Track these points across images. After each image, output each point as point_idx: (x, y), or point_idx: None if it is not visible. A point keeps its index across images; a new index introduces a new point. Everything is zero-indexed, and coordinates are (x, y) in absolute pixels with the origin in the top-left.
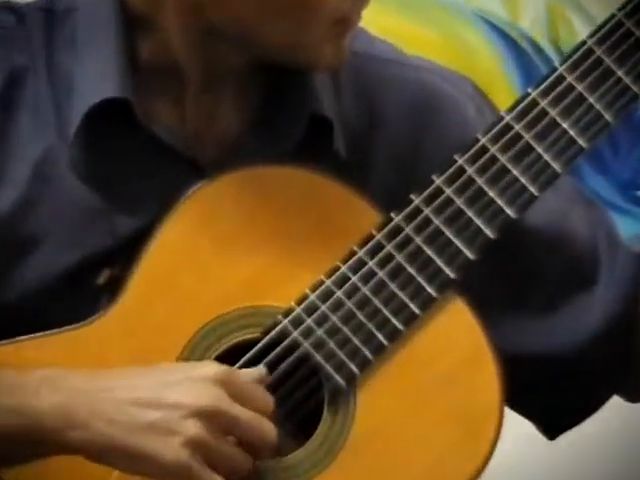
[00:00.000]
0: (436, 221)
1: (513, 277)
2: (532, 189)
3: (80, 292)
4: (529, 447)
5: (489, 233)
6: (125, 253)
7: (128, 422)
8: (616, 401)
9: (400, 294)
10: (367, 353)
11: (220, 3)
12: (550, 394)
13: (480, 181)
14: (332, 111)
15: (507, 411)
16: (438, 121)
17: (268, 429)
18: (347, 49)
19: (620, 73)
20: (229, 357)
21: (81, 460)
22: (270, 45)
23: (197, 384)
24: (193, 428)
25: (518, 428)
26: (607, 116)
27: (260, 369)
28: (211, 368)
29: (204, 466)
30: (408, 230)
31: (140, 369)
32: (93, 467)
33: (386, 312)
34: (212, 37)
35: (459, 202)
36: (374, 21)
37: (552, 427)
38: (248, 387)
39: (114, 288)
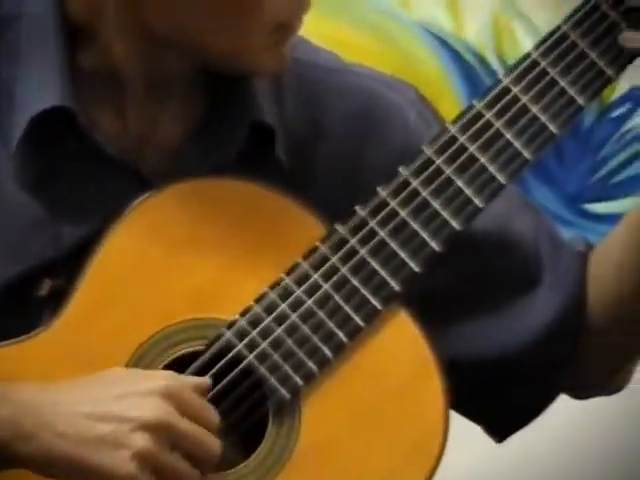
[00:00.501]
0: (381, 233)
1: (458, 281)
2: (477, 201)
3: (23, 304)
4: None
5: (435, 245)
6: (69, 264)
7: (76, 435)
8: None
9: (345, 306)
10: (312, 365)
11: (160, 10)
12: (495, 397)
13: (425, 193)
14: (274, 119)
15: None
16: (381, 128)
17: (213, 444)
18: (288, 55)
19: (565, 84)
20: (174, 369)
21: (28, 475)
22: (210, 52)
23: (145, 397)
24: (141, 441)
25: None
26: (552, 128)
27: (205, 379)
28: (159, 381)
29: (152, 479)
30: (353, 242)
31: (89, 381)
32: None
33: (331, 324)
34: (153, 45)
35: (404, 214)
36: (315, 29)
37: (499, 430)
38: (195, 401)
39: (58, 300)
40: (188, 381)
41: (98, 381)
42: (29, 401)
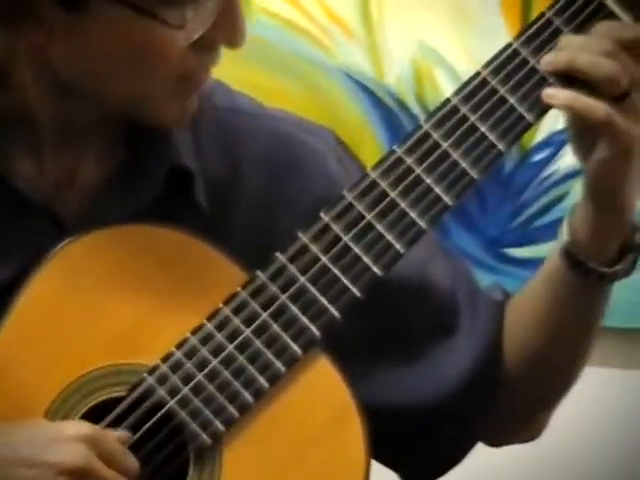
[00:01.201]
0: (301, 279)
1: (375, 327)
2: (398, 246)
3: None
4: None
5: (355, 291)
6: None
7: None
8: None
9: (266, 352)
10: (233, 411)
11: (67, 58)
12: (413, 445)
13: (346, 238)
14: (194, 164)
15: None
16: (301, 174)
17: None
18: (193, 106)
19: (485, 130)
20: (95, 415)
21: None
22: (115, 100)
23: (68, 443)
24: None
25: None
26: (473, 173)
27: (124, 433)
28: (79, 428)
29: None
30: (273, 288)
31: (10, 428)
32: None
33: (252, 370)
34: (64, 92)
35: (325, 260)
36: (235, 73)
37: (415, 478)
38: (115, 448)
39: None
40: (109, 432)
41: (20, 429)
42: None
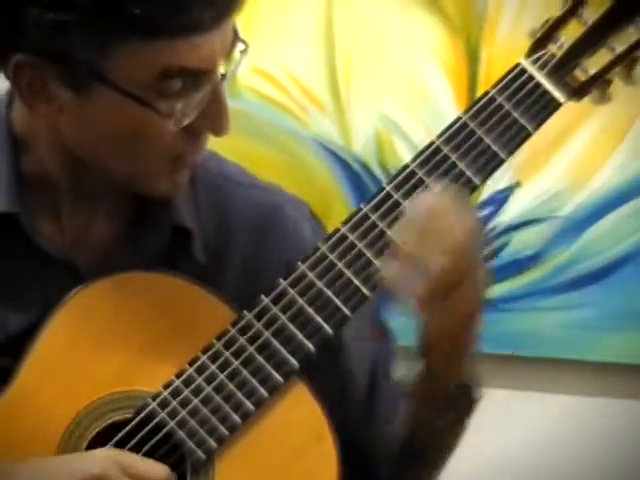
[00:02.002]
0: (282, 318)
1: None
2: (364, 290)
3: None
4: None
5: (328, 329)
6: (14, 346)
7: None
8: None
9: (252, 380)
10: (223, 430)
11: (75, 134)
12: None
13: (319, 284)
14: (192, 222)
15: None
16: (279, 239)
17: None
18: (184, 181)
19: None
20: (108, 433)
21: None
22: (114, 174)
23: (94, 456)
24: None
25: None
26: None
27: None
28: (105, 452)
29: None
30: (258, 325)
31: (39, 460)
32: None
33: (239, 395)
34: (76, 161)
35: (301, 301)
36: (224, 142)
37: None
38: (137, 459)
39: (4, 377)
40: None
41: (45, 459)
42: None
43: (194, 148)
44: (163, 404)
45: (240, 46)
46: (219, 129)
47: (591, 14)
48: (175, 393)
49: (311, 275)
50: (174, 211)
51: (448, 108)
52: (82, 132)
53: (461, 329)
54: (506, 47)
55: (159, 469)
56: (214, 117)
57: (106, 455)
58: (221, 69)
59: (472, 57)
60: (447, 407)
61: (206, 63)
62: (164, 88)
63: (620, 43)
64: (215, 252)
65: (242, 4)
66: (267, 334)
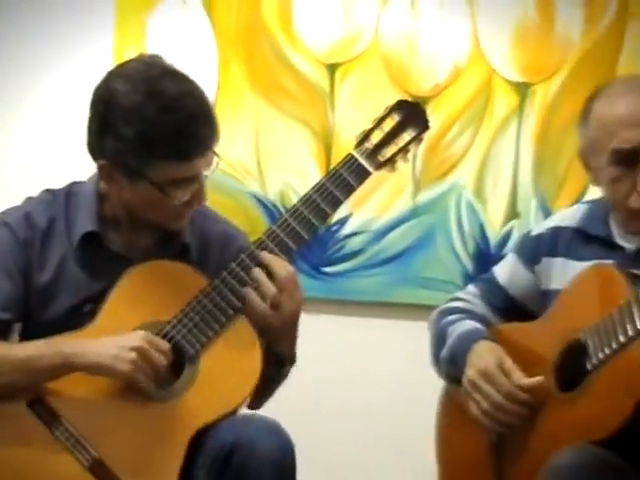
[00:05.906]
0: (232, 281)
1: None
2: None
3: (76, 315)
4: None
5: (241, 292)
6: (98, 297)
7: (104, 354)
8: None
9: (221, 303)
10: (204, 339)
11: (128, 201)
12: None
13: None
14: (190, 240)
15: None
16: (233, 250)
17: (161, 361)
18: (186, 221)
19: (300, 231)
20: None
21: (80, 376)
22: (147, 219)
23: (132, 335)
24: (133, 354)
25: None
26: (304, 234)
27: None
28: (140, 333)
29: (142, 370)
30: (222, 285)
31: (101, 339)
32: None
33: (217, 313)
34: (129, 211)
35: (240, 272)
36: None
37: None
38: (157, 341)
39: (93, 314)
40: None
41: (105, 338)
42: (79, 343)
43: (188, 209)
44: (173, 326)
45: (215, 158)
46: (200, 202)
47: (394, 120)
48: (179, 321)
49: (246, 259)
50: (183, 235)
51: (315, 178)
52: (131, 199)
53: (288, 323)
54: (345, 144)
55: (166, 345)
56: (199, 197)
57: (141, 334)
58: (205, 172)
59: (327, 151)
60: (277, 361)
61: (197, 172)
62: (173, 184)
63: (402, 140)
64: (200, 257)
65: (217, 140)
66: (224, 288)
